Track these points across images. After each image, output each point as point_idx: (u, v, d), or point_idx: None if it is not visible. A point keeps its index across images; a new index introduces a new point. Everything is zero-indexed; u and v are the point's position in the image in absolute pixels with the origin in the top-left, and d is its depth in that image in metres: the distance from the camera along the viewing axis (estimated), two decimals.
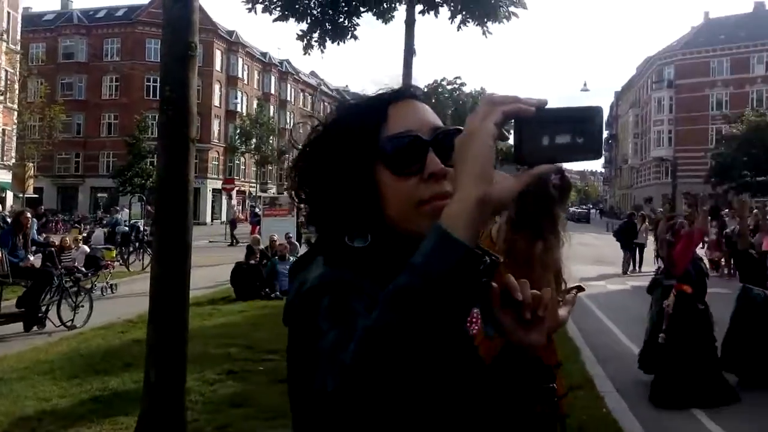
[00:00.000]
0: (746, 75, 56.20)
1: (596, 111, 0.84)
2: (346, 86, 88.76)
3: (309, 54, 9.85)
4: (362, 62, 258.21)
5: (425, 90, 1.00)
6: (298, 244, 17.64)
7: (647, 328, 6.95)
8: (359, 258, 0.97)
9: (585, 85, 70.88)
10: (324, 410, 0.79)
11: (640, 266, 18.09)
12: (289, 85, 66.98)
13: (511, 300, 0.95)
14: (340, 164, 1.01)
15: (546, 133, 0.83)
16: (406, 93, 1.07)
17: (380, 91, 1.08)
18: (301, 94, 70.44)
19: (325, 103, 74.81)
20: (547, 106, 0.84)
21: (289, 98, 66.61)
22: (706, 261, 9.30)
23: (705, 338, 6.31)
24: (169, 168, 4.62)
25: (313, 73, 76.14)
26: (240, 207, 45.31)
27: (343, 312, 0.87)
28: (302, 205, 1.10)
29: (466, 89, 55.09)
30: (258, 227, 28.49)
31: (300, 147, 1.12)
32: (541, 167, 0.84)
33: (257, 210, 28.57)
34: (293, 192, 1.11)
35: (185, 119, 4.61)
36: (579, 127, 0.83)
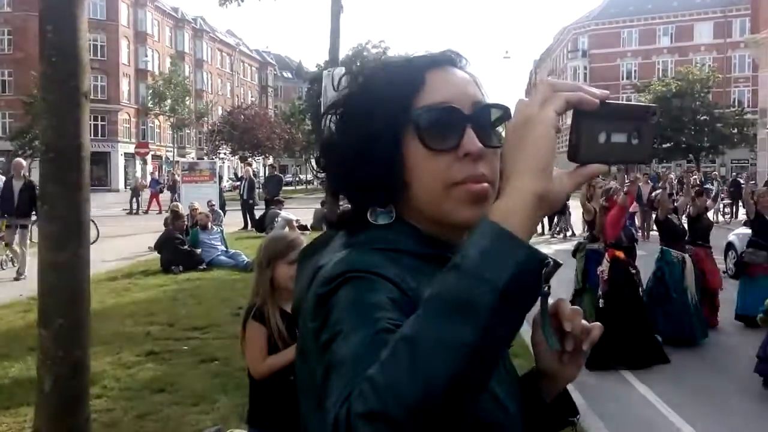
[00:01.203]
0: (653, 46, 58.69)
1: (653, 111, 0.80)
2: (267, 47, 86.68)
3: (226, 6, 9.15)
4: (284, 22, 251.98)
5: (458, 55, 0.99)
6: (221, 212, 17.13)
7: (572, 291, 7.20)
8: (384, 239, 0.91)
9: (507, 53, 72.46)
10: None
11: (564, 230, 18.34)
12: (204, 44, 64.50)
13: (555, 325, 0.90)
14: (368, 130, 0.92)
15: (603, 129, 0.77)
16: (446, 59, 0.98)
17: (418, 55, 0.99)
18: (219, 53, 68.11)
19: (245, 64, 73.05)
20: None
21: (205, 58, 64.24)
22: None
23: (636, 301, 6.60)
24: (57, 130, 3.79)
25: (230, 32, 73.66)
26: (157, 172, 43.33)
27: (367, 309, 0.78)
28: (320, 174, 1.02)
29: (391, 53, 54.29)
30: (159, 195, 27.42)
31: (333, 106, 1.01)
32: (594, 167, 0.78)
33: (159, 177, 27.12)
34: (318, 158, 1.01)
35: (74, 68, 3.77)
36: (635, 127, 0.78)
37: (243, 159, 32.46)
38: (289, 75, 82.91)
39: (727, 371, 6.38)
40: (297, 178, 63.87)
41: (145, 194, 28.02)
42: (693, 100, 41.44)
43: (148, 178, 33.06)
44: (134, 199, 27.19)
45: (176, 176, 25.06)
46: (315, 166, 1.02)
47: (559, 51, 71.32)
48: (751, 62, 41.55)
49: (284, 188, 35.58)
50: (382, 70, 0.99)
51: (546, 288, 0.75)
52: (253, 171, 22.94)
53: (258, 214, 17.58)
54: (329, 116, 1.00)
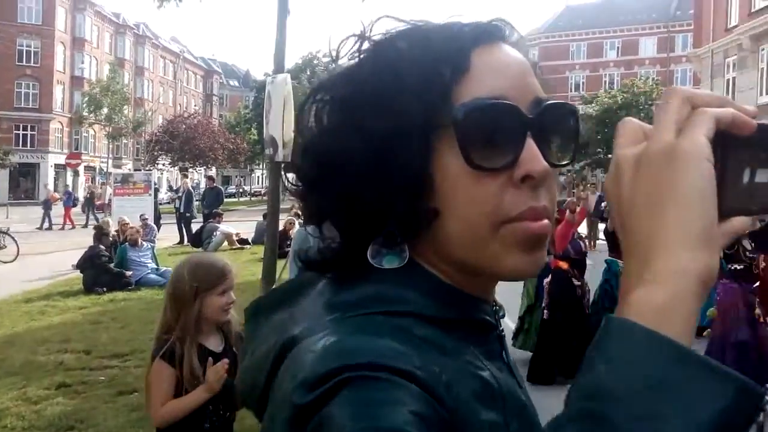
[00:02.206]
0: (600, 59, 60.63)
1: None
2: (213, 55, 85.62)
3: (164, 6, 8.62)
4: (231, 29, 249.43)
5: (510, 27, 0.64)
6: (155, 226, 16.48)
7: (521, 303, 7.14)
8: (390, 296, 0.64)
9: None
10: None
11: None
12: (147, 51, 62.90)
13: None
14: (382, 130, 0.64)
15: (748, 163, 0.53)
16: (498, 32, 0.69)
17: (454, 23, 0.69)
18: (162, 60, 66.61)
19: (189, 72, 71.74)
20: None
21: (147, 65, 62.58)
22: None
23: (579, 313, 6.58)
24: None
25: (174, 39, 72.25)
26: (89, 185, 41.64)
27: None
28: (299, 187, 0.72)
29: (343, 62, 55.30)
30: (71, 210, 25.98)
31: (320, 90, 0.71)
32: (741, 222, 0.53)
33: (74, 190, 25.70)
34: (296, 166, 0.71)
35: None
36: None
37: (183, 170, 31.65)
38: (236, 83, 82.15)
39: None
40: (241, 190, 62.69)
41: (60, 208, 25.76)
42: (638, 112, 42.24)
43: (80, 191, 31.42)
44: (46, 214, 24.78)
45: (98, 189, 23.72)
46: (288, 178, 0.72)
47: None
48: (693, 76, 43.56)
49: (227, 200, 35.07)
50: (404, 39, 0.67)
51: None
52: (192, 183, 22.35)
53: (196, 228, 17.03)
54: (316, 104, 0.69)
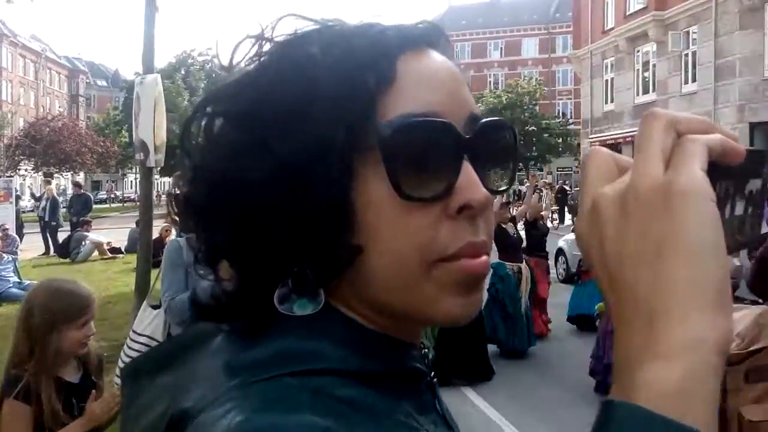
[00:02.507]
0: (485, 59, 61.38)
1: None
2: (79, 54, 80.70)
3: (12, 1, 7.88)
4: (98, 27, 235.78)
5: (439, 32, 0.54)
6: (18, 237, 15.20)
7: None
8: (302, 352, 0.53)
9: None
10: None
11: None
12: (4, 49, 58.12)
13: None
14: (292, 153, 0.53)
15: (731, 195, 0.48)
16: (425, 37, 0.59)
17: (374, 25, 0.59)
18: (21, 60, 61.74)
19: (53, 72, 67.09)
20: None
21: (4, 64, 57.85)
22: None
23: (476, 317, 6.60)
24: None
25: (35, 37, 67.27)
26: None
27: None
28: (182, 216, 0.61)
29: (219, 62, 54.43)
30: None
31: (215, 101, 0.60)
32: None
33: None
34: (183, 193, 0.60)
35: None
36: (751, 188, 0.49)
37: (47, 175, 29.45)
38: (104, 83, 77.86)
39: (563, 379, 6.52)
40: (112, 195, 59.24)
41: None
42: (522, 112, 43.95)
43: None
44: None
45: None
46: (176, 208, 0.60)
47: None
48: (573, 76, 45.29)
49: (98, 207, 32.83)
50: (318, 41, 0.56)
51: None
52: (59, 189, 20.97)
53: (63, 237, 16.01)
54: (207, 118, 0.58)
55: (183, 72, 49.55)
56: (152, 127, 6.59)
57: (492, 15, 61.05)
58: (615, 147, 23.21)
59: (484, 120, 0.58)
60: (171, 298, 3.42)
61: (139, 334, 3.69)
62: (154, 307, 3.71)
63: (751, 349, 2.71)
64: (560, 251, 11.83)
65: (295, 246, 0.54)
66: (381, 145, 0.53)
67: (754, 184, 0.49)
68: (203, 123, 0.59)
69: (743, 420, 2.63)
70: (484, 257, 0.57)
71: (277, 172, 0.53)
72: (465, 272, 0.55)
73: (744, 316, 2.85)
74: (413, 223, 0.54)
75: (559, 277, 11.13)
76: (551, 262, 10.22)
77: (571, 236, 11.06)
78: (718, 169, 0.45)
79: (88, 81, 75.28)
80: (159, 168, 7.37)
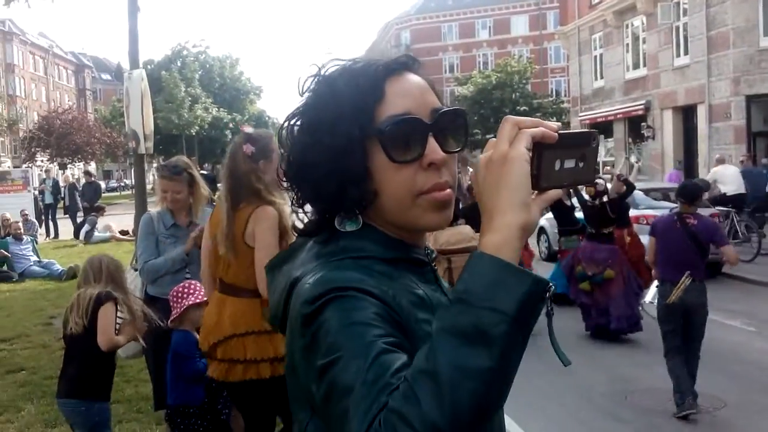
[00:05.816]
0: (473, 39, 58.16)
1: (595, 137, 0.87)
2: (83, 49, 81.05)
3: (8, 5, 8.72)
4: (100, 22, 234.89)
5: (411, 59, 1.02)
6: (36, 222, 16.74)
7: None
8: (354, 247, 0.95)
9: (329, 50, 71.76)
10: None
11: None
12: (15, 47, 58.98)
13: None
14: (334, 143, 0.93)
15: (557, 157, 0.83)
16: (402, 65, 0.99)
17: (374, 62, 0.99)
18: (31, 57, 62.54)
19: (60, 67, 67.62)
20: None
21: (16, 61, 58.80)
22: None
23: None
24: None
25: (42, 34, 68.04)
26: None
27: (359, 331, 0.80)
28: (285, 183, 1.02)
29: (212, 53, 54.21)
30: None
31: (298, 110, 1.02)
32: (553, 192, 0.84)
33: None
34: (285, 170, 1.02)
35: None
36: (581, 152, 0.85)
37: (62, 166, 30.23)
38: (109, 77, 77.47)
39: (539, 351, 6.07)
40: (122, 184, 59.78)
41: None
42: (512, 91, 41.63)
43: None
44: None
45: None
46: (281, 178, 1.02)
47: (384, 46, 68.09)
48: (565, 53, 39.59)
49: (109, 194, 32.28)
50: (341, 78, 0.97)
51: (551, 308, 0.80)
52: (74, 179, 22.53)
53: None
54: (293, 126, 1.00)
55: (179, 63, 50.02)
56: (141, 118, 7.10)
57: None
58: (606, 124, 21.84)
59: (442, 110, 0.94)
60: (145, 261, 3.80)
61: None
62: (136, 270, 4.09)
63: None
64: (542, 230, 11.55)
65: (342, 194, 0.94)
66: (379, 135, 0.91)
67: (589, 150, 0.85)
68: (290, 128, 1.00)
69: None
70: (448, 190, 0.93)
71: (328, 154, 0.93)
72: (435, 199, 0.93)
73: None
74: (402, 175, 0.92)
75: (542, 255, 11.33)
76: (533, 240, 10.63)
77: (551, 215, 10.29)
78: (548, 145, 0.81)
79: (93, 75, 75.15)
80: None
